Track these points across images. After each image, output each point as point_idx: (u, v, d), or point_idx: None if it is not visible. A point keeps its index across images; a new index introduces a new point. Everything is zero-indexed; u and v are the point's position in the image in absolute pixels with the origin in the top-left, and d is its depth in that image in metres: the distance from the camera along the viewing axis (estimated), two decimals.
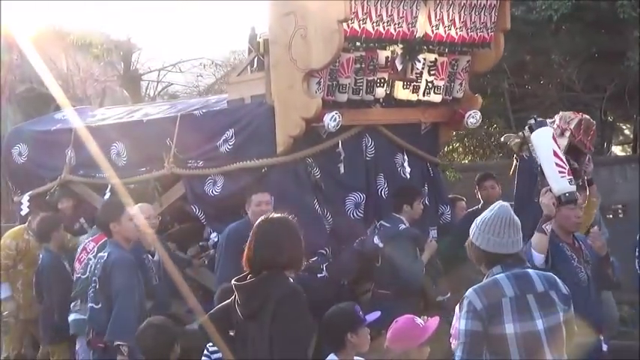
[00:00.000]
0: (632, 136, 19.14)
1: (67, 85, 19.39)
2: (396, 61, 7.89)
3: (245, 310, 4.63)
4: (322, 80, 7.46)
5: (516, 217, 4.53)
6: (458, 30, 7.95)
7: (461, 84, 8.42)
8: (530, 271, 4.52)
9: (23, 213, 9.44)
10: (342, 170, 7.91)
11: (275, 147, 7.61)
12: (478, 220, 4.55)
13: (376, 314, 5.60)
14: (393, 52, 7.83)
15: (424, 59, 8.02)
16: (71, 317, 8.02)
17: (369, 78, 7.77)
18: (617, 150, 20.93)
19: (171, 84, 23.92)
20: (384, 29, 7.49)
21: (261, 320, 4.55)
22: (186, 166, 8.24)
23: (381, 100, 8.01)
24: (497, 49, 8.33)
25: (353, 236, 7.92)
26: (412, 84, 8.12)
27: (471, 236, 4.55)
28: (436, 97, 8.31)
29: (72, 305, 8.17)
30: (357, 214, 8.00)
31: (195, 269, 8.29)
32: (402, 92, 8.14)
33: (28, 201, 9.49)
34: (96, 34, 21.46)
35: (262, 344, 4.54)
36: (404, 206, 7.81)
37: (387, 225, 7.74)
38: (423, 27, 7.79)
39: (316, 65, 7.26)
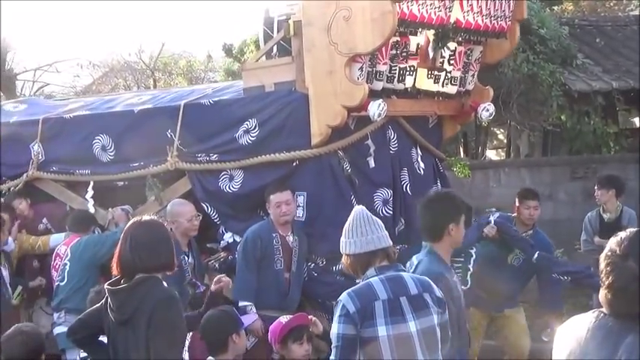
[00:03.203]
0: (505, 141, 19.52)
1: None
2: (429, 48, 7.46)
3: (119, 315, 4.58)
4: (364, 66, 6.90)
5: (374, 216, 4.66)
6: (484, 17, 7.59)
7: (473, 75, 8.05)
8: (404, 274, 4.57)
9: None
10: (372, 164, 7.39)
11: (309, 138, 6.97)
12: (342, 233, 4.64)
13: (252, 317, 5.85)
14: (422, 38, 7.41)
15: (447, 48, 7.63)
16: (57, 330, 7.31)
17: (402, 65, 7.29)
18: (491, 154, 21.35)
19: (48, 84, 22.96)
20: (427, 13, 7.02)
21: (135, 325, 4.50)
22: (194, 160, 7.45)
23: (408, 89, 7.52)
24: (512, 39, 8.01)
25: None
26: (435, 73, 7.69)
27: (342, 251, 4.63)
28: (452, 89, 7.91)
29: (56, 317, 7.55)
30: (386, 212, 7.46)
31: (209, 275, 7.48)
32: (425, 82, 7.69)
33: None
34: None
35: (137, 349, 4.50)
36: None
37: None
38: (454, 13, 7.38)
39: (363, 49, 6.68)
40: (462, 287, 7.05)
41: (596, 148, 14.03)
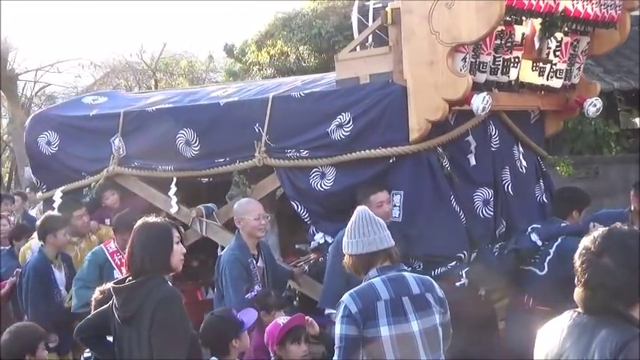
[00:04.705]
0: None
1: None
2: (535, 38, 6.97)
3: (122, 314, 4.60)
4: (467, 57, 6.42)
5: (377, 217, 4.62)
6: (594, 6, 7.05)
7: (579, 68, 7.54)
8: (406, 274, 4.59)
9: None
10: (472, 162, 6.92)
11: (407, 133, 6.49)
12: (345, 233, 4.64)
13: (253, 316, 5.70)
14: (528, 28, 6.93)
15: (554, 38, 7.12)
16: None
17: (506, 57, 6.79)
18: None
19: (49, 84, 23.03)
20: (535, 0, 6.51)
21: (138, 324, 4.52)
22: (284, 155, 7.04)
23: (512, 82, 7.02)
24: (622, 30, 7.45)
25: (484, 238, 6.93)
26: (540, 66, 7.19)
27: (344, 251, 4.62)
28: (557, 82, 7.38)
29: None
30: (486, 213, 7.01)
31: (296, 278, 7.06)
32: (529, 75, 7.19)
33: (61, 197, 8.10)
34: None
35: (140, 348, 4.50)
36: (573, 212, 6.85)
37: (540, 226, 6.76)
38: (563, 1, 6.86)
39: (467, 38, 6.19)
40: (538, 272, 6.61)
41: (597, 149, 13.87)
